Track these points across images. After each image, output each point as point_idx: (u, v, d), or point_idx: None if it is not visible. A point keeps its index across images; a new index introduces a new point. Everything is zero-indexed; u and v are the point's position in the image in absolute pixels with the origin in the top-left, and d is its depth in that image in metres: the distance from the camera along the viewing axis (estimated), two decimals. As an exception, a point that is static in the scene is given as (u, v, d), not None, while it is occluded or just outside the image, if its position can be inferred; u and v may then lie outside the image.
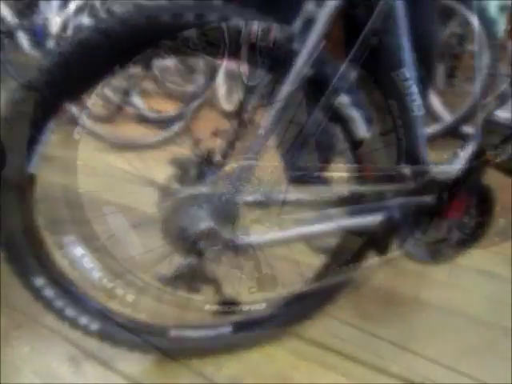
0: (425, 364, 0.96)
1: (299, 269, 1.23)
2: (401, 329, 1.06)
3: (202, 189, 0.74)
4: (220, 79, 2.77)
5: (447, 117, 2.19)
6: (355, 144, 0.77)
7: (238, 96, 2.71)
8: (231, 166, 0.77)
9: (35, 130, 0.66)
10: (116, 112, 2.56)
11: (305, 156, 1.34)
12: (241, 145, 0.92)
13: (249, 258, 0.80)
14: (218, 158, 0.84)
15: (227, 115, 2.71)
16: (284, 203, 0.82)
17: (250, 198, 0.76)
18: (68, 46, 0.63)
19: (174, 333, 0.94)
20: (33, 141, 0.67)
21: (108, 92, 2.45)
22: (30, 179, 0.71)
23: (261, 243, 0.79)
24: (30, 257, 0.78)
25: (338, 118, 0.74)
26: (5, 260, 0.77)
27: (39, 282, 0.80)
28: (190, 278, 0.76)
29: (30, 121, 0.65)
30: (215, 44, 0.69)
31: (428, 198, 0.80)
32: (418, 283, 1.21)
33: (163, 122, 2.34)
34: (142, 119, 2.56)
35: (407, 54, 0.73)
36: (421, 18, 0.82)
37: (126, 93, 2.49)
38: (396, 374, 0.94)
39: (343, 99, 0.71)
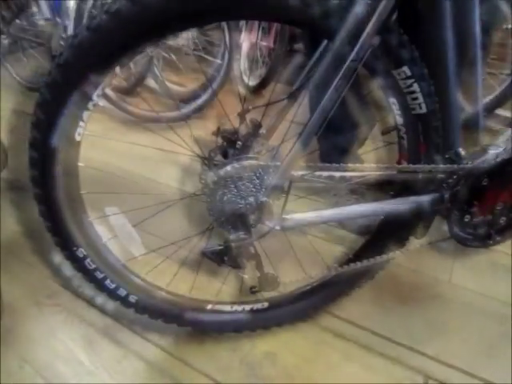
0: (460, 347, 0.95)
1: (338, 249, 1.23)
2: (436, 311, 1.04)
3: (253, 161, 0.71)
4: (243, 54, 2.72)
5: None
6: (412, 119, 0.73)
7: (260, 71, 2.66)
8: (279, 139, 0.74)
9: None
10: (137, 84, 2.52)
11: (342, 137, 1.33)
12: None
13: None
14: (263, 130, 0.81)
15: (250, 90, 2.66)
16: (332, 181, 0.80)
17: (299, 173, 0.73)
18: (100, 16, 0.60)
19: (211, 307, 0.94)
20: (80, 106, 0.65)
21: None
22: (76, 146, 0.69)
23: (307, 221, 0.77)
24: (73, 227, 0.77)
25: (397, 91, 0.71)
26: (47, 230, 0.77)
27: (81, 252, 0.79)
28: (235, 253, 0.74)
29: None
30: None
31: (481, 181, 0.76)
32: (454, 267, 1.19)
33: (186, 96, 2.30)
34: (165, 93, 2.52)
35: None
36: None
37: (147, 65, 2.45)
38: (432, 355, 0.93)
39: (405, 71, 0.68)
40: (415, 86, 0.70)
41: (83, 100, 0.64)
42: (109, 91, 2.13)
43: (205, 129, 0.82)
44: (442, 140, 0.76)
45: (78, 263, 0.81)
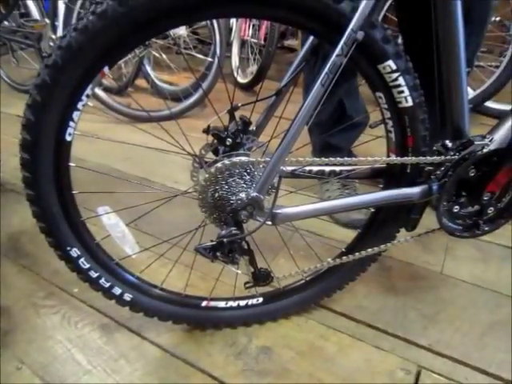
0: (453, 337, 0.97)
1: (330, 243, 1.24)
2: (429, 302, 1.06)
3: (243, 158, 0.72)
4: (235, 51, 2.72)
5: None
6: (398, 113, 0.74)
7: (252, 68, 2.66)
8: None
9: (73, 95, 0.64)
10: (128, 84, 2.52)
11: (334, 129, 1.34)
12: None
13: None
14: (252, 127, 0.82)
15: (242, 87, 2.67)
16: (323, 174, 0.80)
17: (290, 169, 0.74)
18: (87, 17, 0.60)
19: (205, 304, 0.94)
20: (70, 107, 0.66)
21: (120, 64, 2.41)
22: (66, 146, 0.70)
23: (298, 215, 0.78)
24: (66, 227, 0.77)
25: (382, 85, 0.72)
26: (41, 231, 0.77)
27: (75, 252, 0.80)
28: (229, 249, 0.75)
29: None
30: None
31: (469, 171, 0.78)
32: (446, 258, 1.21)
33: (178, 95, 2.30)
34: (156, 92, 2.52)
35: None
36: None
37: (138, 65, 2.45)
38: (425, 346, 0.94)
39: (390, 65, 0.69)
40: (400, 80, 0.71)
41: (73, 100, 0.64)
42: (99, 91, 2.13)
43: (195, 127, 0.83)
44: (432, 131, 0.77)
45: (72, 263, 0.81)
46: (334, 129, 1.29)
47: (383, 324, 1.00)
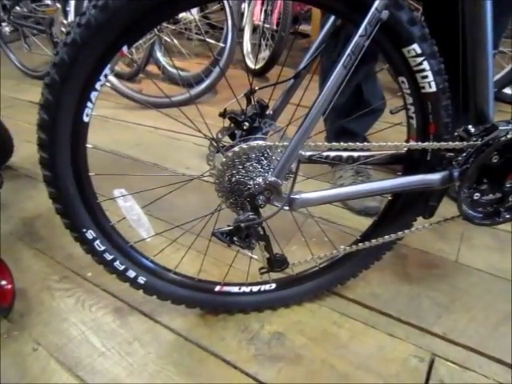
0: (468, 326, 0.96)
1: (344, 230, 1.24)
2: (444, 291, 1.05)
3: (261, 142, 0.71)
4: (247, 37, 2.68)
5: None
6: (421, 98, 0.72)
7: (264, 54, 2.63)
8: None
9: (91, 75, 0.64)
10: (140, 70, 2.51)
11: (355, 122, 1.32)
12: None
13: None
14: (269, 111, 0.81)
15: (253, 73, 2.63)
16: (340, 160, 0.79)
17: (307, 153, 0.73)
18: None
19: (219, 288, 0.94)
20: (88, 87, 0.65)
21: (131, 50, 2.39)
22: (84, 127, 0.69)
23: (316, 200, 0.77)
24: (82, 209, 0.77)
25: (406, 69, 0.70)
26: (57, 212, 0.77)
27: (91, 234, 0.80)
28: (245, 234, 0.74)
29: (87, 64, 0.62)
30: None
31: (491, 158, 0.76)
32: (461, 247, 1.20)
33: (189, 81, 2.29)
34: (168, 78, 2.50)
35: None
36: None
37: (149, 51, 2.43)
38: (439, 334, 0.94)
39: (415, 48, 0.67)
40: (425, 64, 0.69)
41: (91, 80, 0.64)
42: (112, 78, 2.12)
43: (207, 114, 0.82)
44: (457, 117, 0.75)
45: (87, 245, 0.81)
46: (350, 114, 1.27)
47: (397, 312, 0.99)
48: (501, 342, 0.92)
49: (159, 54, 2.50)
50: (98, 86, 0.65)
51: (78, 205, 0.76)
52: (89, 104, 0.66)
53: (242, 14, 2.84)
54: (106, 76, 0.65)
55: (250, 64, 2.71)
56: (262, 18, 2.67)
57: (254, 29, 2.77)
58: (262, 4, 2.69)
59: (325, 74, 1.28)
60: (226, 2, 2.00)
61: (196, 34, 2.45)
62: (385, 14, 0.62)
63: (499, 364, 0.87)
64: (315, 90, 0.70)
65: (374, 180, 0.80)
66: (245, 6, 2.84)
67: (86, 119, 0.67)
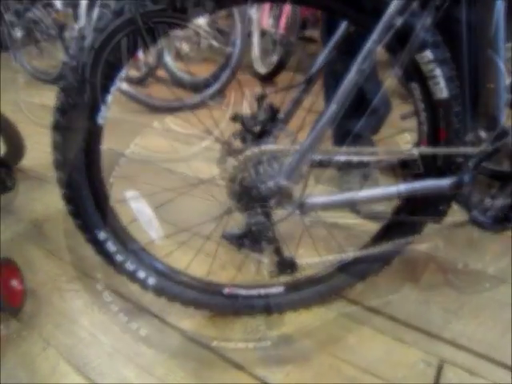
0: (476, 331, 0.95)
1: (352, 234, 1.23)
2: (452, 296, 1.05)
3: (273, 146, 0.71)
4: (255, 41, 2.69)
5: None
6: (433, 105, 0.73)
7: (272, 59, 2.64)
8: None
9: (107, 78, 0.65)
10: (149, 74, 2.53)
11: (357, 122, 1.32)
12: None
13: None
14: (281, 115, 0.82)
15: (261, 78, 2.64)
16: (350, 165, 0.80)
17: (318, 157, 0.73)
18: None
19: (228, 291, 0.95)
20: (103, 89, 0.66)
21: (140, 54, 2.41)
22: (98, 130, 0.70)
23: (327, 204, 0.78)
24: (94, 210, 0.78)
25: (418, 75, 0.70)
26: (69, 213, 0.78)
27: (102, 235, 0.81)
28: (256, 237, 0.75)
29: (102, 68, 0.63)
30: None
31: (502, 163, 0.76)
32: (470, 252, 1.19)
33: (198, 85, 2.30)
34: (176, 82, 2.52)
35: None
36: None
37: (159, 55, 2.45)
38: (448, 339, 0.93)
39: (428, 55, 0.67)
40: (437, 71, 0.69)
41: (106, 83, 0.65)
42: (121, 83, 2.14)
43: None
44: (466, 123, 0.75)
45: (99, 246, 0.82)
46: (353, 114, 1.26)
47: (405, 316, 0.99)
48: (509, 348, 0.91)
49: (168, 59, 2.52)
50: (112, 89, 0.66)
51: (90, 206, 0.77)
52: (103, 107, 0.67)
53: (250, 19, 2.86)
54: (120, 80, 0.66)
55: (259, 69, 2.72)
56: (270, 23, 2.68)
57: (262, 33, 2.78)
58: (271, 9, 2.71)
59: (327, 81, 1.28)
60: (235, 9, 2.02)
61: (205, 38, 2.47)
62: (398, 20, 0.63)
63: (508, 370, 0.87)
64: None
65: (385, 185, 0.80)
66: (253, 11, 2.85)
67: (100, 122, 0.68)
